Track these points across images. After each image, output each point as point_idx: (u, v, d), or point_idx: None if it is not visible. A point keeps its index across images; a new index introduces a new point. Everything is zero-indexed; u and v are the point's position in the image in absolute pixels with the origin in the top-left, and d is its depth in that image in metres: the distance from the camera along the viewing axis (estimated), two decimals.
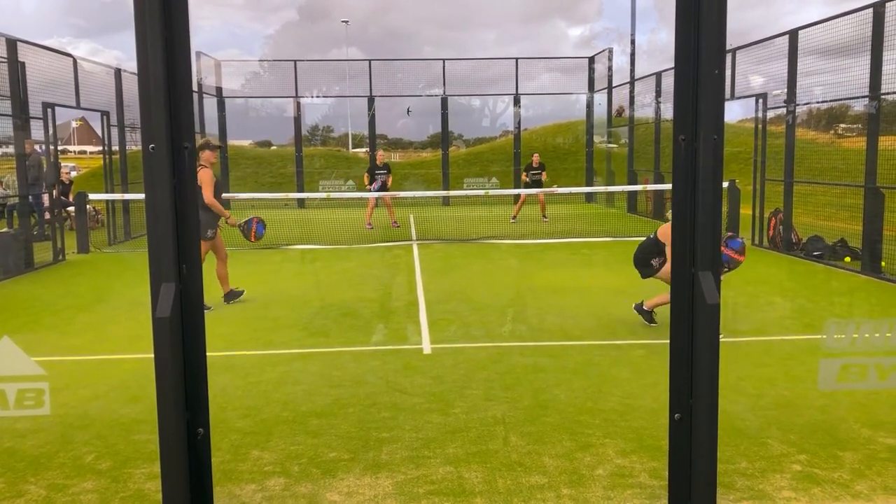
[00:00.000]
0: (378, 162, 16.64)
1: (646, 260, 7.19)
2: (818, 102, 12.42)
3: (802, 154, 12.59)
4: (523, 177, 17.75)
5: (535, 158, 17.53)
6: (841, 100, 11.87)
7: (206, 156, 8.14)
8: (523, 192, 17.28)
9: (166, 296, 3.09)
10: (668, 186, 15.96)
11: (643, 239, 7.43)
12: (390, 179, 16.77)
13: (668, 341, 3.34)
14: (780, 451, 4.19)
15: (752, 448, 4.24)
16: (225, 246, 8.57)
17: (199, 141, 8.00)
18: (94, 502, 3.70)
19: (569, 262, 11.77)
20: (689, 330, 3.30)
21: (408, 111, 24.01)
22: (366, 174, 16.69)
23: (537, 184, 17.23)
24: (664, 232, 7.08)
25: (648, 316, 7.16)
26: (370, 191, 16.39)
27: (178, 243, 3.13)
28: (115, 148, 15.75)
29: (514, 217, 17.29)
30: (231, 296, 8.52)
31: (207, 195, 8.00)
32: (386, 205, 16.87)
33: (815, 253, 11.32)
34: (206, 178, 8.01)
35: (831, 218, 12.34)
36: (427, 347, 6.58)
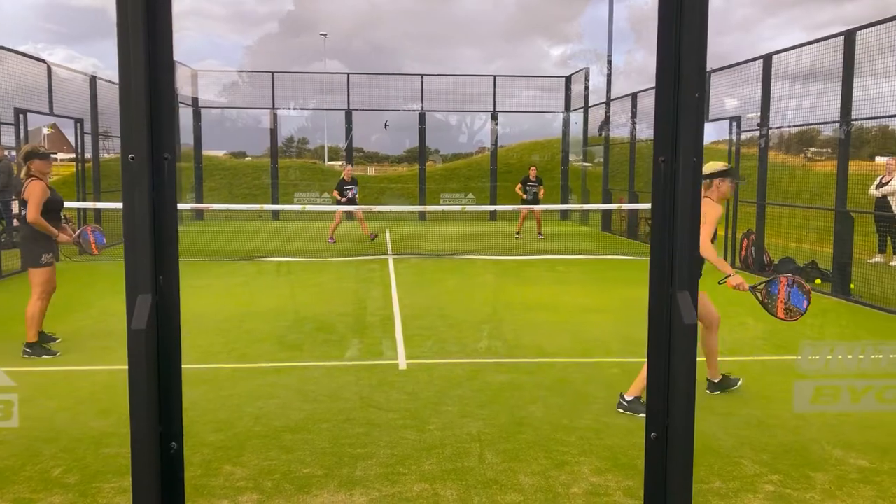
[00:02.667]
0: (346, 177, 16.56)
1: None
2: (790, 126, 12.64)
3: (774, 176, 12.79)
4: (517, 189, 17.40)
5: (532, 172, 17.25)
6: (813, 124, 12.11)
7: (36, 166, 6.79)
8: (500, 207, 17.36)
9: (143, 307, 3.05)
10: (643, 206, 16.13)
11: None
12: (358, 195, 16.70)
13: (644, 360, 3.35)
14: (753, 471, 4.23)
15: (725, 468, 4.27)
16: (54, 280, 7.05)
17: (25, 148, 7.00)
18: None
19: (544, 278, 11.82)
20: (666, 350, 3.32)
21: (385, 125, 24.04)
22: (335, 191, 16.60)
23: (534, 198, 17.03)
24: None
25: (726, 383, 5.79)
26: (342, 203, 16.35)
27: (156, 255, 3.10)
28: (88, 156, 15.57)
29: (519, 233, 17.26)
30: (38, 347, 6.77)
31: (31, 212, 6.67)
32: (358, 219, 16.83)
33: (787, 275, 11.47)
34: (35, 191, 6.70)
35: (802, 240, 12.53)
36: (402, 363, 6.55)
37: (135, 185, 3.04)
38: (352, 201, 16.30)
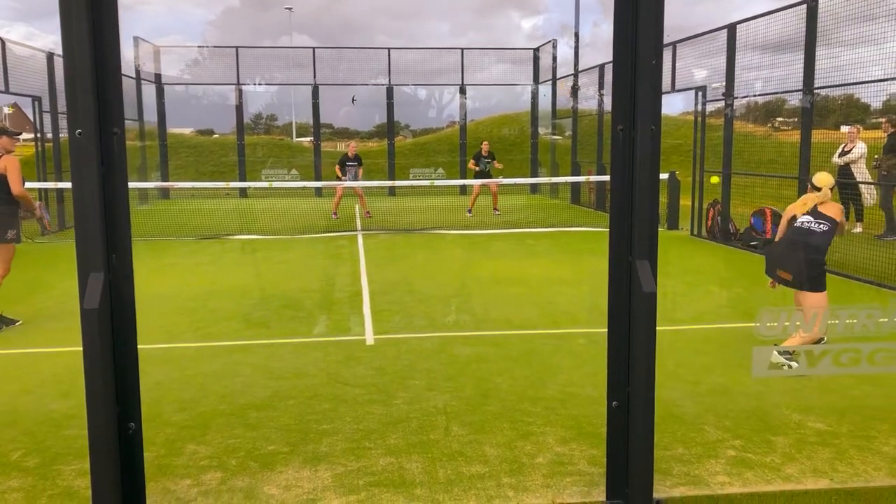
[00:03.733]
0: (350, 153, 16.41)
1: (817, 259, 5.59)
2: (756, 96, 12.72)
3: (740, 147, 12.89)
4: (470, 165, 17.24)
5: (485, 146, 17.06)
6: (777, 93, 12.19)
7: (3, 143, 6.95)
8: (472, 182, 17.25)
9: (94, 286, 2.98)
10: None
11: (799, 228, 5.78)
12: (361, 171, 16.59)
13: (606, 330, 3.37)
14: (715, 437, 4.28)
15: (688, 434, 4.32)
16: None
17: None
18: (19, 501, 3.57)
19: (513, 252, 11.84)
20: (627, 318, 3.33)
21: (353, 100, 23.81)
22: (337, 166, 16.41)
23: (487, 174, 16.80)
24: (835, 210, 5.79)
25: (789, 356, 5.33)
26: (344, 181, 16.25)
27: (107, 232, 3.03)
28: (49, 135, 15.25)
29: (470, 210, 16.86)
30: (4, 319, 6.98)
31: (18, 185, 6.84)
32: (357, 195, 16.71)
33: (752, 243, 11.61)
34: (16, 164, 6.90)
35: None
36: (370, 338, 6.53)
37: (82, 162, 2.96)
38: (355, 177, 16.20)
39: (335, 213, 16.18)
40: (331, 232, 13.98)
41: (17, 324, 6.99)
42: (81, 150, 2.96)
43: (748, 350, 5.93)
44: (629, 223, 3.28)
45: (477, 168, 16.96)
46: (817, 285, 5.50)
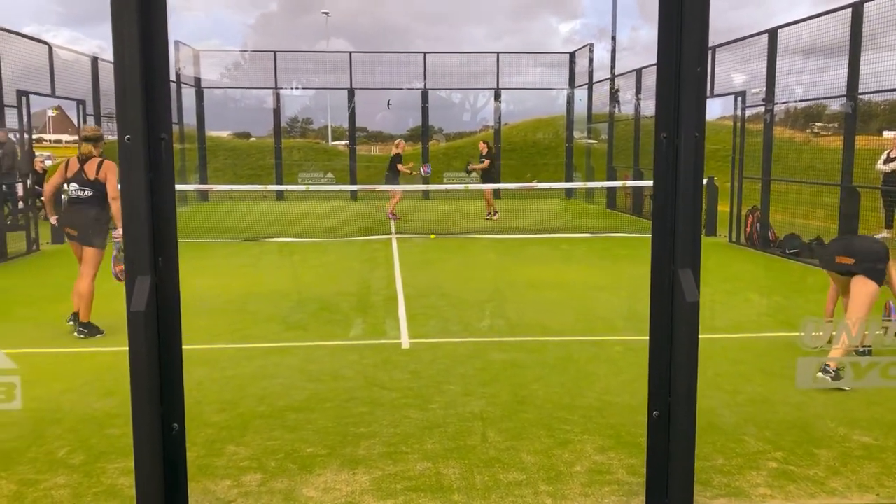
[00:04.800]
0: (401, 151, 16.73)
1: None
2: (796, 101, 12.53)
3: (780, 152, 12.69)
4: (475, 167, 16.92)
5: (482, 147, 16.92)
6: (818, 99, 12.00)
7: (88, 149, 6.84)
8: (504, 186, 17.29)
9: (142, 289, 3.04)
10: (648, 183, 16.03)
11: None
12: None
13: (647, 338, 3.34)
14: (756, 448, 4.22)
15: (728, 445, 4.26)
16: None
17: (89, 131, 6.98)
18: (66, 497, 3.64)
19: (548, 257, 11.79)
20: (668, 328, 3.30)
21: (388, 104, 23.91)
22: (398, 165, 16.51)
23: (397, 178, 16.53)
24: None
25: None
26: (422, 174, 16.36)
27: (154, 236, 3.08)
28: None
29: (492, 213, 16.69)
30: (93, 327, 6.82)
31: (115, 191, 6.69)
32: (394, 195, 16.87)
33: (792, 251, 11.42)
34: (114, 171, 6.77)
35: (807, 216, 12.44)
36: (405, 342, 6.55)
37: (131, 167, 3.02)
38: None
39: (393, 214, 16.27)
40: (365, 236, 14.05)
41: (102, 334, 6.84)
42: (130, 155, 3.01)
43: (789, 360, 5.85)
44: (672, 232, 3.25)
45: (407, 169, 16.70)
46: (877, 276, 5.46)
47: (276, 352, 6.27)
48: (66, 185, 6.87)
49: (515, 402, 4.97)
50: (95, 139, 6.84)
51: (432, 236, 13.67)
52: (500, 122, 24.03)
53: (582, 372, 5.67)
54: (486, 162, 16.73)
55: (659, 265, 3.32)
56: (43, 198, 7.37)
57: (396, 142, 17.69)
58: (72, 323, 6.87)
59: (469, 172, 16.99)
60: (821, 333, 3.90)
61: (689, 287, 3.19)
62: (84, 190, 6.75)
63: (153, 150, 3.06)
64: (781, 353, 6.12)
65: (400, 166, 16.52)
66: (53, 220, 7.21)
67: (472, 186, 16.94)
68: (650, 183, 15.56)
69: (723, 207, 13.85)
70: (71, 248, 7.01)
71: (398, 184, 16.49)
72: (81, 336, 6.71)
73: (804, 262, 10.92)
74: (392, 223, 15.62)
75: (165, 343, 3.16)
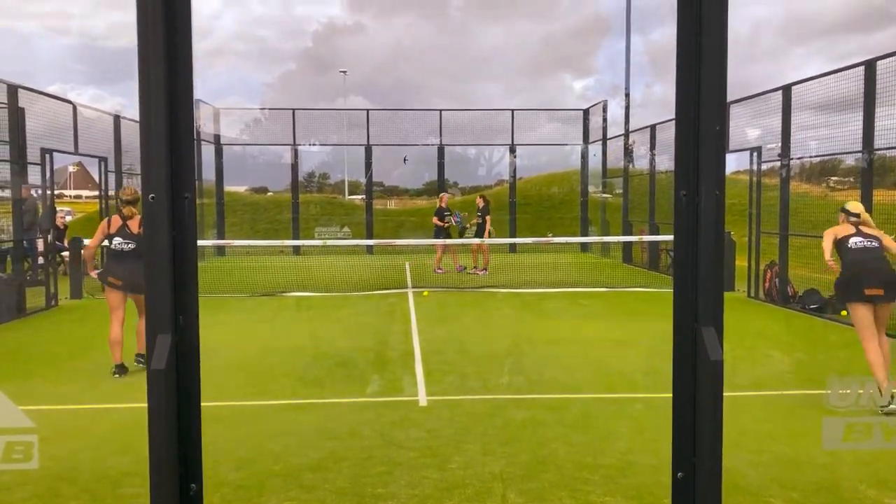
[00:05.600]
0: (443, 204, 16.81)
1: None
2: (812, 157, 12.54)
3: (796, 206, 12.66)
4: (435, 220, 16.81)
5: (443, 198, 16.99)
6: (834, 154, 12.00)
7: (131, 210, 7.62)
8: (519, 240, 17.27)
9: (162, 347, 3.03)
10: (664, 237, 16.01)
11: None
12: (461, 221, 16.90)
13: (669, 396, 3.28)
14: None
15: None
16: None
17: (129, 194, 7.73)
18: None
19: (566, 311, 11.73)
20: (692, 386, 3.25)
21: (405, 160, 24.19)
22: (435, 217, 16.68)
23: (444, 231, 16.50)
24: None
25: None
26: (454, 223, 16.49)
27: (175, 294, 3.09)
28: (112, 193, 15.77)
29: (477, 269, 16.62)
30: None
31: None
32: (450, 251, 16.98)
33: (812, 306, 11.31)
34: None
35: (827, 271, 12.32)
36: (423, 399, 6.49)
37: (155, 225, 3.04)
38: (447, 231, 16.46)
39: (440, 268, 16.46)
40: (381, 290, 14.05)
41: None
42: (154, 214, 3.04)
43: (813, 418, 5.74)
44: (693, 289, 3.23)
45: (442, 223, 16.69)
46: None
47: (293, 409, 6.23)
48: (107, 241, 7.62)
49: (536, 462, 4.89)
50: (135, 201, 7.60)
51: (425, 293, 13.56)
52: (515, 177, 24.18)
53: (603, 430, 5.59)
54: (478, 218, 16.81)
55: (681, 323, 3.28)
56: (84, 253, 8.30)
57: (441, 195, 17.79)
58: (140, 363, 7.56)
59: (463, 231, 17.05)
60: (847, 391, 3.82)
61: (712, 345, 3.15)
62: (128, 243, 7.49)
63: (177, 209, 3.09)
64: (806, 412, 6.00)
65: (435, 219, 16.63)
66: (94, 273, 7.86)
67: (488, 241, 16.91)
68: (666, 237, 15.60)
69: (740, 262, 13.78)
70: (107, 299, 7.67)
71: (442, 237, 16.51)
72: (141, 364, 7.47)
73: (825, 317, 10.80)
74: (409, 276, 15.64)
75: (185, 402, 3.14)
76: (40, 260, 13.25)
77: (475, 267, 16.81)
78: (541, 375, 7.36)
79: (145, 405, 3.04)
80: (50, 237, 12.73)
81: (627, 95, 20.67)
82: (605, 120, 22.38)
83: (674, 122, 3.43)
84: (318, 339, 9.41)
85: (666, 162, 17.60)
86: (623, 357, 8.21)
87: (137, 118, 3.19)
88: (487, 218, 16.74)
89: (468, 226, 16.94)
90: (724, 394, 3.19)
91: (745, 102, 13.77)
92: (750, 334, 9.66)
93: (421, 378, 7.22)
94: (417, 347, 8.68)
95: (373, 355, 8.41)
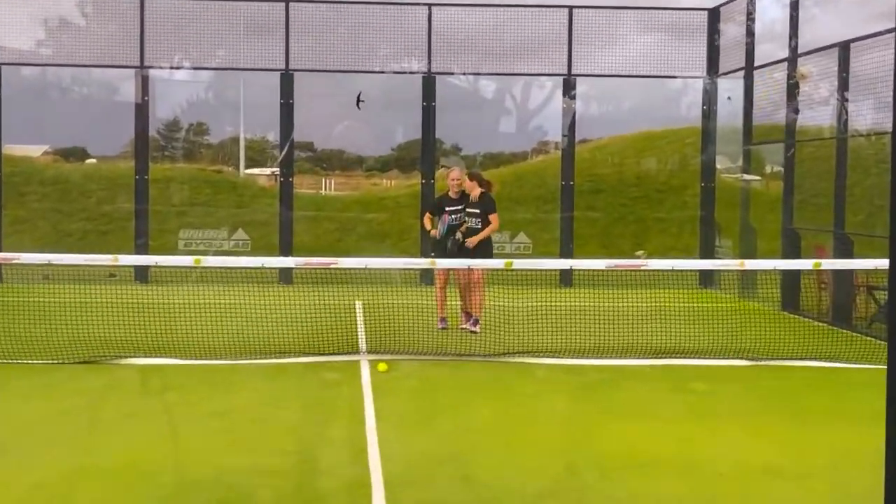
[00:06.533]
0: (454, 191, 16.84)
1: None
2: None
3: None
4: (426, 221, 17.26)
5: (454, 176, 17.17)
6: None
7: None
8: (580, 263, 17.25)
9: None
10: (867, 263, 15.96)
11: None
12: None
13: None
14: None
15: None
16: None
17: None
18: None
19: (666, 406, 11.76)
20: None
21: (359, 100, 24.32)
22: (427, 217, 17.22)
23: (457, 245, 16.49)
24: None
25: None
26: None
27: None
28: None
29: (469, 324, 16.67)
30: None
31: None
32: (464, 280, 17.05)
33: None
34: None
35: None
36: None
37: None
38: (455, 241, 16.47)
39: (442, 321, 16.69)
40: (311, 355, 14.02)
41: None
42: None
43: None
44: None
45: (434, 230, 16.88)
46: None
47: None
48: None
49: None
50: None
51: (381, 367, 13.38)
52: (573, 138, 24.18)
53: None
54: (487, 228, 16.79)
55: None
56: None
57: (449, 171, 17.70)
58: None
59: (461, 244, 16.73)
60: None
61: None
62: None
63: None
64: None
65: (428, 222, 16.86)
66: None
67: (517, 264, 16.94)
68: (871, 263, 15.54)
69: None
70: None
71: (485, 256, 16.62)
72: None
73: None
74: (362, 335, 15.70)
75: None
76: None
77: (464, 317, 16.86)
78: None
79: None
80: None
81: None
82: (750, 32, 22.47)
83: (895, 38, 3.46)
84: (182, 452, 9.41)
85: (869, 113, 17.68)
86: (782, 499, 8.24)
87: None
88: (492, 217, 16.75)
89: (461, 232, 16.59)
90: None
91: None
92: None
93: None
94: (376, 470, 8.68)
95: (290, 486, 8.42)
